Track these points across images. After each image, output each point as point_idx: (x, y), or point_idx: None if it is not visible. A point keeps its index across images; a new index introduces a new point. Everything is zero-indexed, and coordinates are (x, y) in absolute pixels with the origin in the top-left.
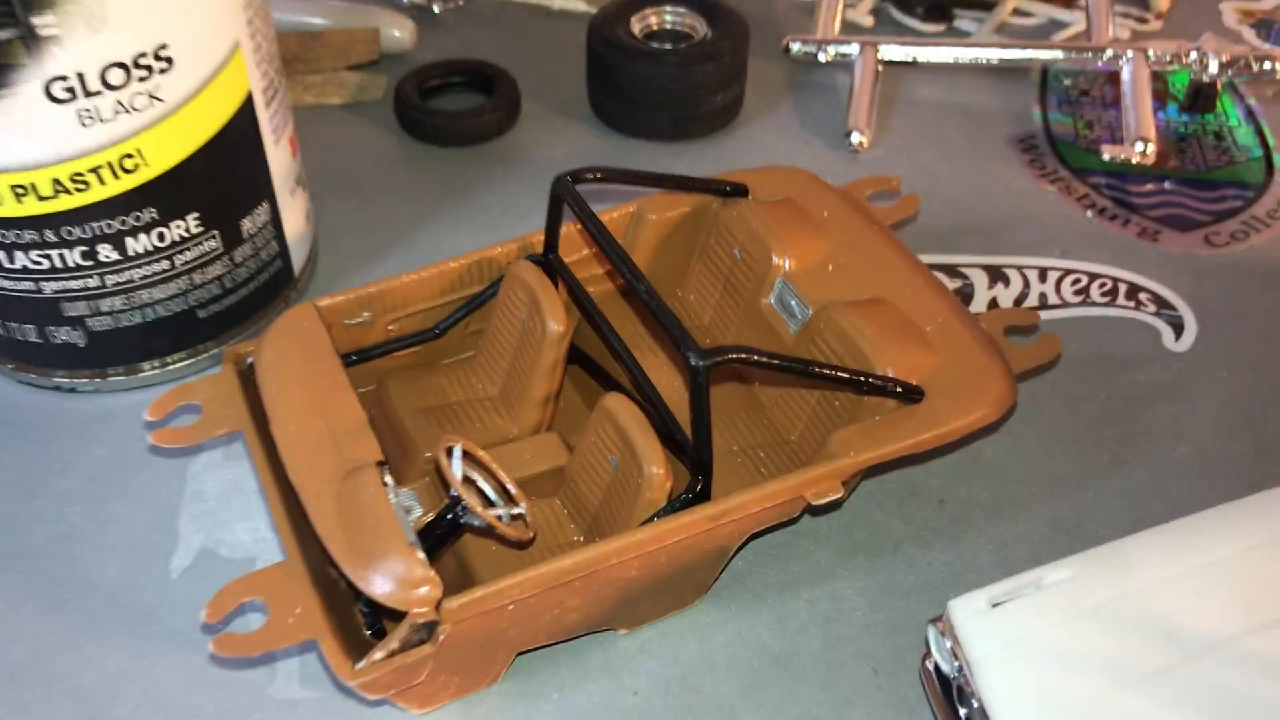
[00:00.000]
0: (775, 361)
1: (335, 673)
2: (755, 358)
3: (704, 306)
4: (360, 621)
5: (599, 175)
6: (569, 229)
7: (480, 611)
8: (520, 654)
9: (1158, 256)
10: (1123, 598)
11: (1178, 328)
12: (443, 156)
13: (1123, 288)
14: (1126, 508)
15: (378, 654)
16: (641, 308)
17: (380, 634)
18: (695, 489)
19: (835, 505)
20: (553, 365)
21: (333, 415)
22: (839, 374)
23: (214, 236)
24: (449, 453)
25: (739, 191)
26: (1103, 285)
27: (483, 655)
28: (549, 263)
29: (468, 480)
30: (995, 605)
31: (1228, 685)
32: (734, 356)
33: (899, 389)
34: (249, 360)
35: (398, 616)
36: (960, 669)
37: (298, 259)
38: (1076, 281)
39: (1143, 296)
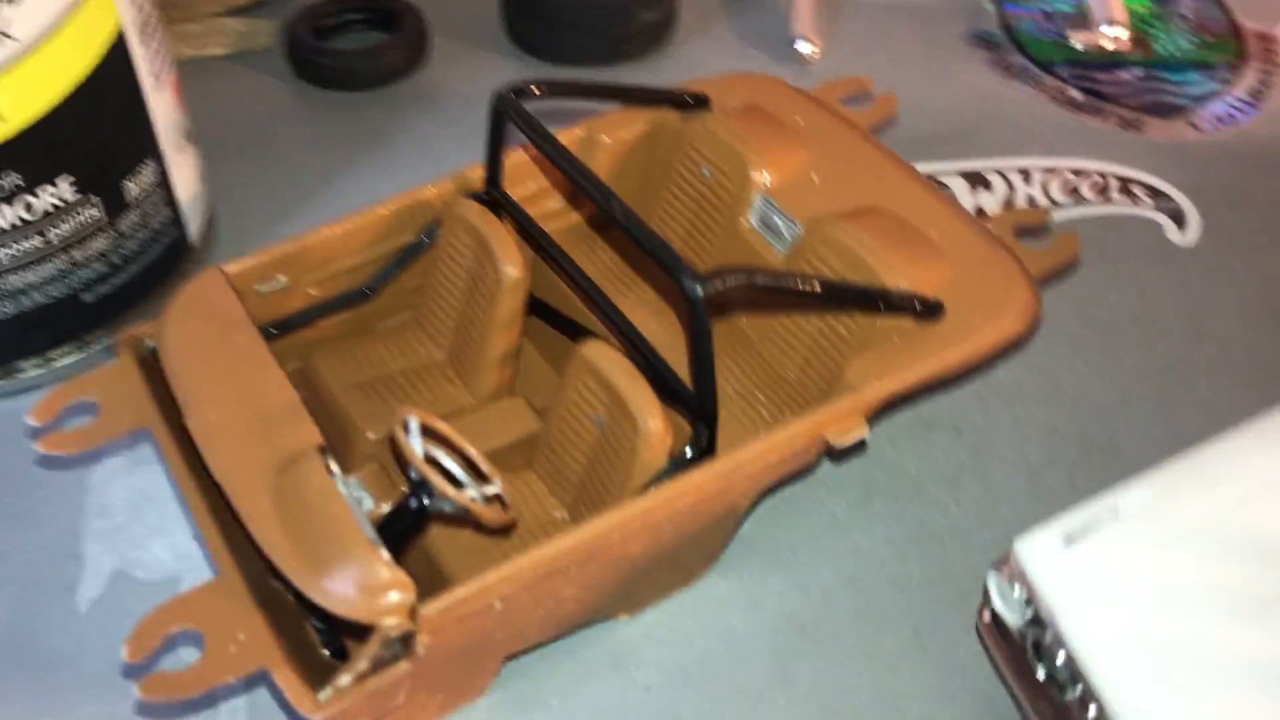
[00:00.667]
0: (786, 283)
1: (295, 707)
2: (763, 279)
3: (672, 238)
4: (315, 640)
5: (542, 89)
6: (512, 160)
7: (463, 615)
8: (509, 658)
9: (1144, 147)
10: (1217, 516)
11: (1179, 219)
12: (348, 103)
13: (1114, 182)
14: (1159, 418)
15: (344, 679)
16: (606, 244)
17: (341, 653)
18: (700, 442)
19: (859, 447)
20: (510, 317)
21: (258, 398)
22: (857, 293)
23: (94, 204)
24: (405, 427)
25: (701, 103)
26: (1093, 182)
27: (467, 666)
28: (493, 200)
29: (429, 459)
30: (1070, 541)
31: None
32: (738, 280)
33: (918, 304)
34: (149, 345)
35: (363, 632)
36: (1035, 620)
37: (194, 226)
38: (1064, 181)
39: (1136, 190)
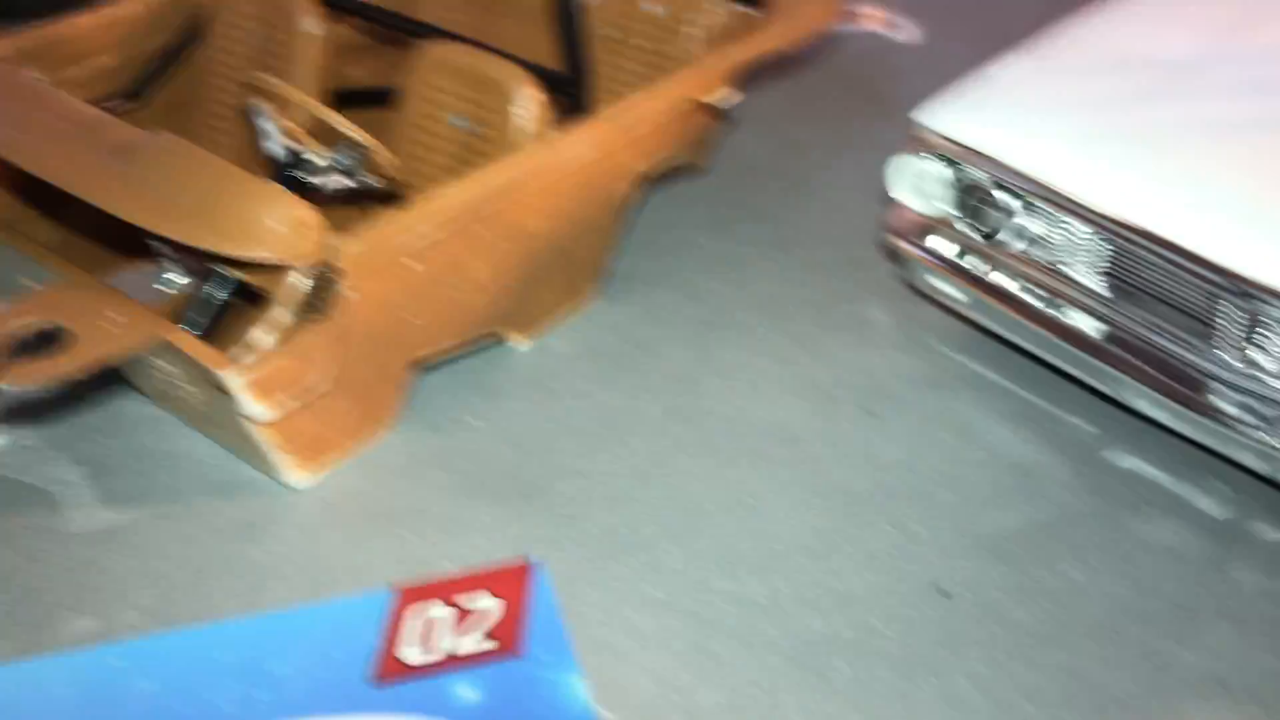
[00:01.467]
0: None
1: (211, 369)
2: None
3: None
4: None
5: None
6: None
7: (385, 263)
8: (416, 366)
9: None
10: (1099, 51)
11: (892, 25)
12: None
13: None
14: None
15: (261, 334)
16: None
17: None
18: (577, 107)
19: (724, 118)
20: (310, 72)
21: (66, 115)
22: None
23: None
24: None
25: None
26: None
27: (380, 364)
28: None
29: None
30: (976, 103)
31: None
32: None
33: None
34: None
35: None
36: (966, 187)
37: None
38: None
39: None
